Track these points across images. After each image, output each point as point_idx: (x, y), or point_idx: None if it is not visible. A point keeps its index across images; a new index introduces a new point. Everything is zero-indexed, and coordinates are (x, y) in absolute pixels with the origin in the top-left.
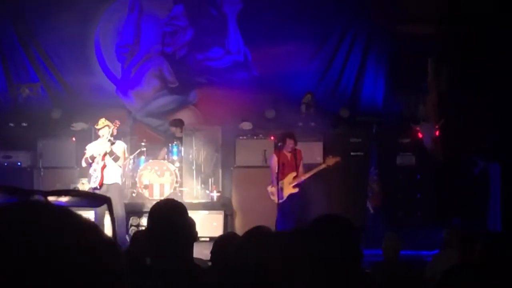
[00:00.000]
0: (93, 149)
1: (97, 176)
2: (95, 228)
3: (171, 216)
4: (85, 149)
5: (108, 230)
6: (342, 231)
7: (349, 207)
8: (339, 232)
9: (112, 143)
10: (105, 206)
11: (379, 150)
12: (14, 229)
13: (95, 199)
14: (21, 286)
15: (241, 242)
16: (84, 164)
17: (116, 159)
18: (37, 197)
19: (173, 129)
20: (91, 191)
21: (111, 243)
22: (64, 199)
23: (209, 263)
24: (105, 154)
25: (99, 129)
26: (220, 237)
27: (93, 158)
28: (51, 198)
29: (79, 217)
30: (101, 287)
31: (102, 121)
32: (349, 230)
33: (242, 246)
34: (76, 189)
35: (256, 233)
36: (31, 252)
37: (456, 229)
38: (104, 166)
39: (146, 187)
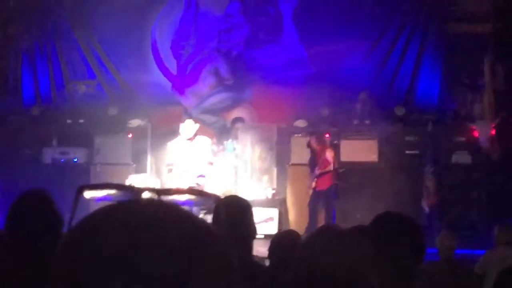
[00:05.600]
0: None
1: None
2: (207, 227)
3: (235, 215)
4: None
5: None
6: (409, 229)
7: (404, 206)
8: (406, 230)
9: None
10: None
11: (434, 148)
12: (135, 226)
13: (208, 197)
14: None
15: (310, 240)
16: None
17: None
18: (149, 194)
19: (237, 126)
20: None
21: (224, 242)
22: (176, 197)
23: (267, 261)
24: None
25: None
26: (278, 234)
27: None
28: (163, 196)
29: (194, 216)
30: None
31: (191, 124)
32: (415, 227)
33: (310, 244)
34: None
35: (327, 232)
36: (154, 248)
37: (508, 227)
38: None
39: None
